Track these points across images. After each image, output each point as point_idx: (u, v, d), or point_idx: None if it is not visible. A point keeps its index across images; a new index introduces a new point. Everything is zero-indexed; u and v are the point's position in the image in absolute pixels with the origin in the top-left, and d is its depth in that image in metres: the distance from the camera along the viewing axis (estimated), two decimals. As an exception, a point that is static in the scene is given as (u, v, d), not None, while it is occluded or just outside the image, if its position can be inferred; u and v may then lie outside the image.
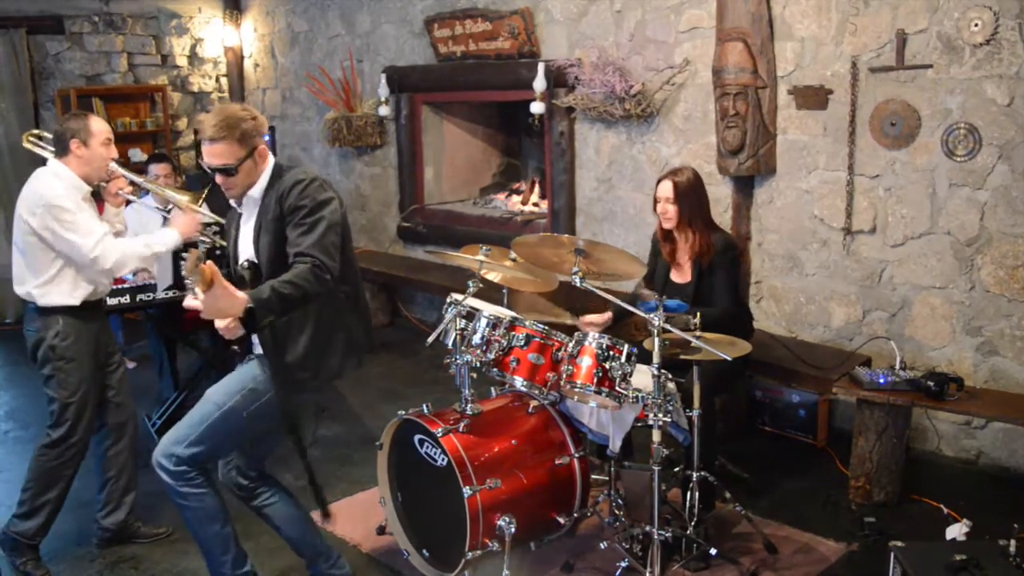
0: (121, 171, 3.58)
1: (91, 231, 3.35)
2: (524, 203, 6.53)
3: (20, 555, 3.51)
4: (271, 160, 2.88)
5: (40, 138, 3.66)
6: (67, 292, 3.40)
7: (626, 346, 3.25)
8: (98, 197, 3.61)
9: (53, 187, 3.35)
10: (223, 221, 3.86)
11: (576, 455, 3.46)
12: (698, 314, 3.26)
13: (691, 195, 3.71)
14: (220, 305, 2.43)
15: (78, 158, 3.38)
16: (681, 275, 3.81)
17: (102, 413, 3.63)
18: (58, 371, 3.43)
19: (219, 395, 2.87)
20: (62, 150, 3.40)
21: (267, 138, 7.23)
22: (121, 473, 3.69)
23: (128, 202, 3.68)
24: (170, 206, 5.24)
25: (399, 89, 6.61)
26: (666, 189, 3.73)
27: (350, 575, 3.18)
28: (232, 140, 2.72)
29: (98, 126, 3.41)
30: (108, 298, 4.47)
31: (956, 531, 3.34)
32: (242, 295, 2.46)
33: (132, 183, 3.67)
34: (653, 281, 3.91)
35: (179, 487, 2.83)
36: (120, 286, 4.81)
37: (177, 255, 4.51)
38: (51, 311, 3.40)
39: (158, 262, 4.77)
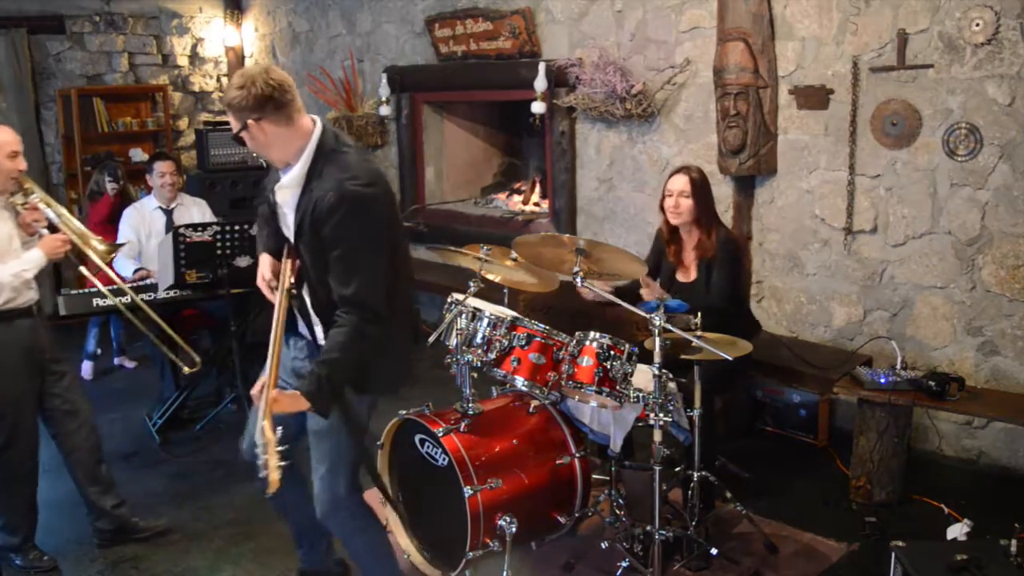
0: (41, 205, 3.43)
1: None
2: (525, 203, 6.53)
3: (22, 555, 3.53)
4: (311, 142, 2.60)
5: None
6: None
7: (627, 346, 3.25)
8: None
9: None
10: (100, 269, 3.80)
11: (577, 455, 3.45)
12: (699, 314, 3.26)
13: (704, 191, 3.72)
14: (288, 411, 2.56)
15: None
16: (686, 275, 3.80)
17: (49, 424, 3.56)
18: None
19: (312, 421, 2.75)
20: None
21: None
22: (91, 482, 3.65)
23: (40, 235, 3.48)
24: (175, 204, 5.29)
25: (400, 89, 6.61)
26: (681, 183, 3.70)
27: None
28: (229, 110, 2.58)
29: (4, 137, 3.32)
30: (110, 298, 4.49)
31: (957, 531, 3.34)
32: (300, 397, 2.54)
33: (50, 223, 3.50)
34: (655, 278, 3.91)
35: (355, 523, 2.85)
36: (124, 285, 4.82)
37: (178, 256, 4.52)
38: None
39: (159, 262, 4.79)
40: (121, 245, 3.81)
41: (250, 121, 2.53)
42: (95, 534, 3.72)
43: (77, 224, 3.58)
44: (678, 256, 3.82)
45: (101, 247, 3.60)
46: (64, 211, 3.58)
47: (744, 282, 3.79)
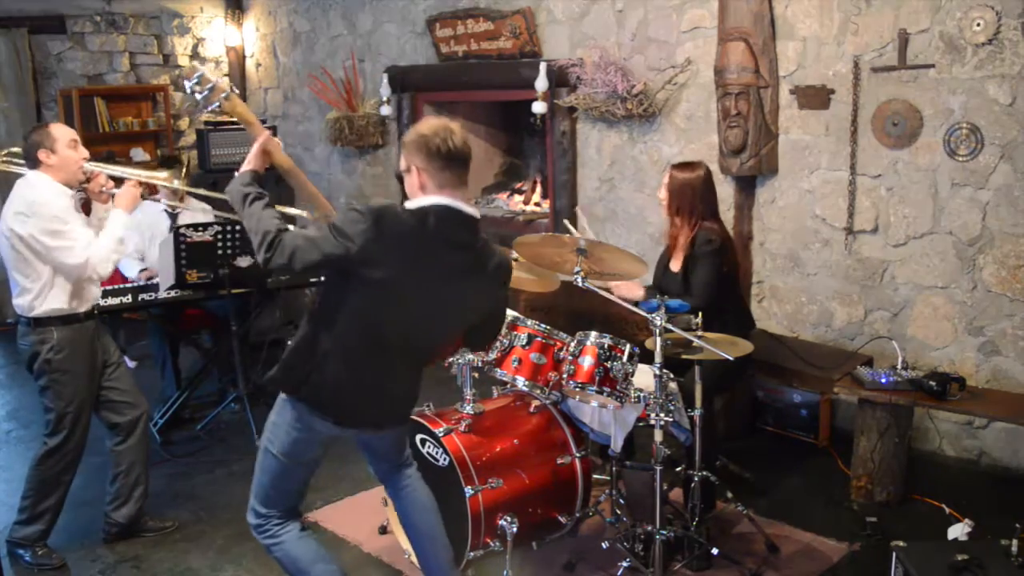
0: (98, 168, 3.54)
1: (78, 238, 3.35)
2: (526, 203, 6.53)
3: (31, 551, 3.54)
4: (421, 200, 2.54)
5: (12, 155, 3.64)
6: (59, 300, 3.39)
7: (628, 346, 3.25)
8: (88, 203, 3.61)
9: (41, 192, 3.34)
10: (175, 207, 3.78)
11: (578, 455, 3.46)
12: (700, 313, 3.26)
13: (683, 193, 3.70)
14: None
15: (50, 166, 3.37)
16: (677, 263, 3.82)
17: (110, 414, 3.64)
18: (54, 383, 3.44)
19: (263, 438, 2.75)
20: (33, 163, 3.40)
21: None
22: (131, 469, 3.70)
23: (112, 197, 3.59)
24: (180, 208, 5.31)
25: (401, 89, 6.61)
26: (666, 176, 3.78)
27: None
28: (405, 147, 2.58)
29: (59, 131, 3.41)
30: (110, 298, 4.50)
31: (958, 531, 3.34)
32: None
33: (112, 177, 3.60)
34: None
35: (261, 539, 2.77)
36: (122, 285, 4.82)
37: (179, 256, 4.52)
38: (44, 323, 3.39)
39: (160, 262, 4.79)
40: (185, 167, 3.82)
41: (413, 167, 2.55)
42: (106, 526, 3.74)
43: (131, 170, 3.64)
44: (673, 241, 3.82)
45: (163, 174, 3.71)
46: (110, 166, 3.66)
47: (726, 281, 3.76)
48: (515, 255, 3.67)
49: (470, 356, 3.37)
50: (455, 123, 2.58)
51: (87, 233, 3.41)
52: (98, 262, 3.38)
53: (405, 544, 3.46)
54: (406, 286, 2.50)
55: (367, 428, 2.74)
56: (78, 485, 3.71)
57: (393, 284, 2.48)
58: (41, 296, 3.37)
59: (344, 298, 2.52)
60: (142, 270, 5.12)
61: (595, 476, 3.63)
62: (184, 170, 3.68)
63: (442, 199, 2.54)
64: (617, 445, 3.47)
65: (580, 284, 3.27)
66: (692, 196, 3.71)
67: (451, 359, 3.45)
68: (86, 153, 3.47)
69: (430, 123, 2.58)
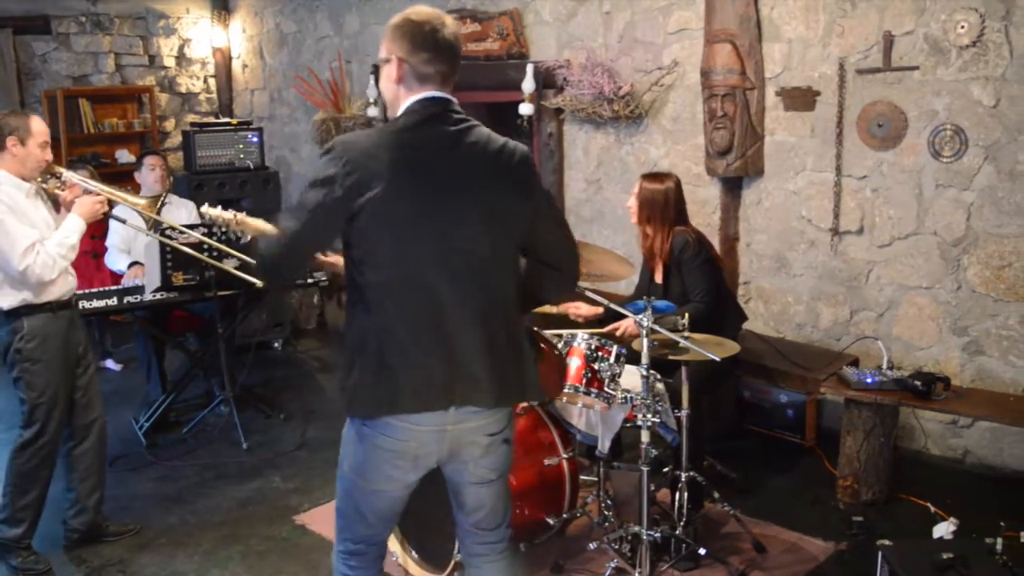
0: (76, 179, 3.48)
1: (21, 239, 3.23)
2: (513, 204, 6.52)
3: (16, 555, 3.51)
4: (401, 107, 2.18)
5: None
6: (25, 290, 3.31)
7: (615, 347, 3.26)
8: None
9: None
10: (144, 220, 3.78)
11: (565, 456, 3.46)
12: (686, 315, 3.27)
13: (653, 203, 3.75)
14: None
15: (13, 156, 3.31)
16: (659, 274, 3.84)
17: (71, 415, 3.58)
18: (25, 372, 3.38)
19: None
20: None
21: (255, 139, 7.15)
22: (87, 474, 3.66)
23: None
24: (162, 200, 5.27)
25: (388, 90, 6.60)
26: (636, 186, 3.82)
27: None
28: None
29: (38, 127, 3.35)
30: (96, 300, 4.47)
31: (943, 529, 3.36)
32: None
33: (86, 191, 3.51)
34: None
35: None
36: (108, 288, 4.79)
37: (164, 257, 4.50)
38: (14, 313, 3.33)
39: (146, 264, 4.77)
40: (162, 198, 3.81)
41: (396, 56, 2.18)
42: (67, 532, 3.70)
43: (112, 189, 3.59)
44: (650, 253, 3.84)
45: (142, 201, 3.65)
46: (94, 182, 3.61)
47: (721, 275, 3.81)
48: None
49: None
50: (448, 15, 2.22)
51: (31, 236, 3.26)
52: (42, 269, 3.26)
53: (393, 547, 3.45)
54: (413, 201, 2.11)
55: (435, 404, 2.17)
56: (60, 489, 3.68)
57: (397, 202, 2.09)
58: (4, 286, 3.30)
59: (360, 259, 2.14)
60: (131, 264, 5.09)
61: (582, 477, 3.63)
62: (156, 206, 3.67)
63: (425, 94, 2.18)
64: (604, 446, 3.48)
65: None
66: (663, 206, 3.76)
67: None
68: (51, 156, 3.41)
69: (421, 9, 2.18)
